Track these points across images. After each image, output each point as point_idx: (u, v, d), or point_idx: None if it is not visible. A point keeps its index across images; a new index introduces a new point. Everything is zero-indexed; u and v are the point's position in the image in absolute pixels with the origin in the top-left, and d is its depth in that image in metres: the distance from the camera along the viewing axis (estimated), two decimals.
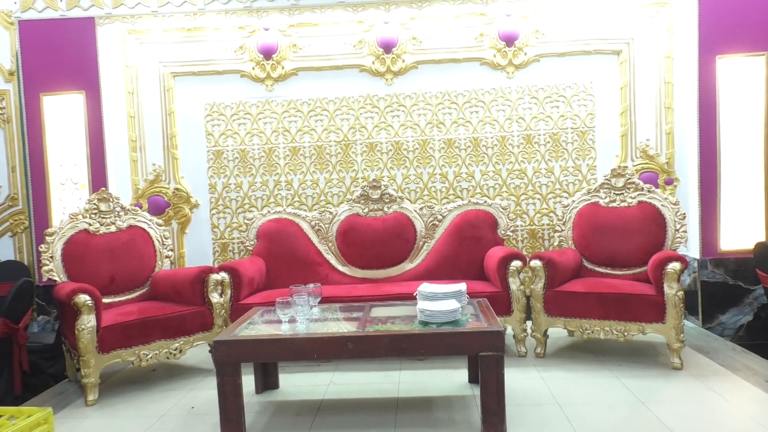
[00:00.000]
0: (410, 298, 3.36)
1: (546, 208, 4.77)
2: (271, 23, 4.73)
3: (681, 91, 4.58)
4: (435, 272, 4.24)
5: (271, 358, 3.15)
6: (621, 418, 2.83)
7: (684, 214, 3.96)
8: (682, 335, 3.43)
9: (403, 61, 4.75)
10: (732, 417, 2.80)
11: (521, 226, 4.78)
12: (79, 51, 4.63)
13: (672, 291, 3.40)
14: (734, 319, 4.33)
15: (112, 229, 4.02)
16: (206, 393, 3.37)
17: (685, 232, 3.92)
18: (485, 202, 4.44)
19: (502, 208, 4.40)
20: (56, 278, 3.74)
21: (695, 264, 4.41)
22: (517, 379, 3.36)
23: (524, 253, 4.64)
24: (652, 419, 2.78)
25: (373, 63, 4.76)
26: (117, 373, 3.85)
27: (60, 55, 4.62)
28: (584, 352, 3.86)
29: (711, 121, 4.36)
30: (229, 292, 3.85)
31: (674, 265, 3.42)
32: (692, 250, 4.47)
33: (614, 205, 4.13)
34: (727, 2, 4.31)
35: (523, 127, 4.75)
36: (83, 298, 3.26)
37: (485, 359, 2.63)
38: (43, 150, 4.64)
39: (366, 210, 4.50)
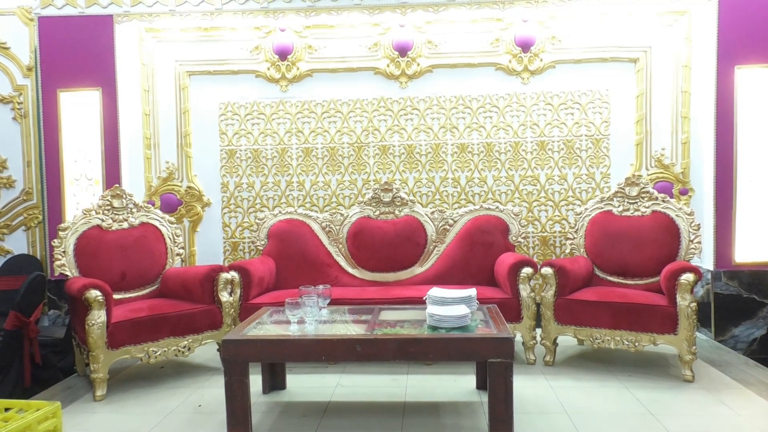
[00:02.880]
0: (420, 302, 3.35)
1: (558, 216, 4.74)
2: (287, 24, 4.74)
3: (698, 100, 4.54)
4: (445, 277, 4.23)
5: (278, 359, 3.15)
6: (630, 430, 2.80)
7: (698, 224, 3.91)
8: (694, 347, 3.39)
9: (418, 64, 4.74)
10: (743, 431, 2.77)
11: (533, 232, 4.75)
12: (97, 48, 4.66)
13: (685, 302, 3.37)
14: (747, 332, 4.27)
15: (125, 225, 4.05)
16: (213, 391, 3.38)
17: (699, 242, 3.87)
18: (497, 207, 4.42)
19: (514, 215, 4.38)
20: (68, 273, 3.76)
21: (709, 276, 4.36)
22: (526, 387, 3.33)
23: (535, 260, 4.61)
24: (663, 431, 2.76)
25: (388, 66, 4.76)
26: (125, 369, 3.87)
27: (78, 52, 4.66)
28: (594, 361, 3.83)
29: (728, 131, 4.31)
30: (238, 291, 3.86)
31: (688, 276, 3.38)
32: (706, 261, 4.42)
33: (628, 214, 4.09)
34: (748, 12, 4.27)
35: (537, 134, 4.73)
36: (94, 294, 3.28)
37: (494, 366, 2.61)
38: (59, 145, 4.68)
39: (377, 213, 4.49)
